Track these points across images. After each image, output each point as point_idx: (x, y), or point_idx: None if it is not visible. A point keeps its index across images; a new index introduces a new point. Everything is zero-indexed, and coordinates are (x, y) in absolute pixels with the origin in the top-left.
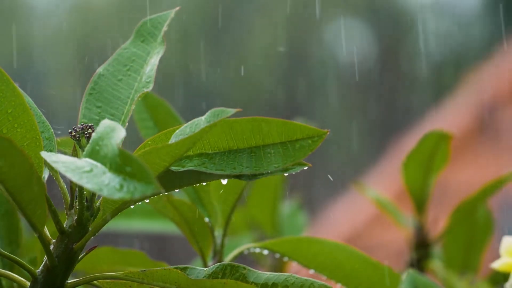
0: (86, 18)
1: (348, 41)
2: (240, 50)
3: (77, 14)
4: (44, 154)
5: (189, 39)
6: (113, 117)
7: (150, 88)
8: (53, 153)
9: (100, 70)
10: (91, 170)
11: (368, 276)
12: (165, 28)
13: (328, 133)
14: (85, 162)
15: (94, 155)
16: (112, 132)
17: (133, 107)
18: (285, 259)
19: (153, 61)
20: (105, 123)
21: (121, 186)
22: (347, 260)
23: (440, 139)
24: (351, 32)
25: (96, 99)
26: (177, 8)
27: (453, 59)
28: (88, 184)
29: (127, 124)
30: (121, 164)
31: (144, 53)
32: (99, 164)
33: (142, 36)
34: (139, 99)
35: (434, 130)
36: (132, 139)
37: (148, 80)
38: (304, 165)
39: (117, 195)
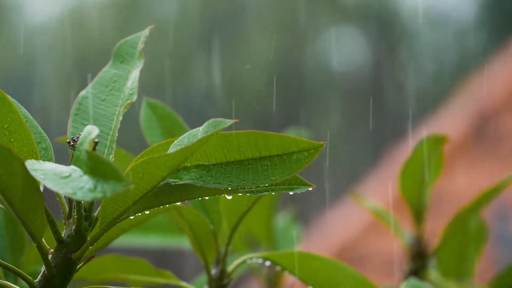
0: (80, 28)
1: (343, 50)
2: (234, 59)
3: (71, 24)
4: (28, 163)
5: (184, 48)
6: (101, 133)
7: (134, 99)
8: (38, 162)
9: (83, 93)
10: (69, 176)
11: None
12: (141, 45)
13: (324, 145)
14: (67, 168)
15: (75, 161)
16: (89, 135)
17: (120, 118)
18: (286, 272)
19: (134, 76)
20: (86, 128)
21: (95, 187)
22: (345, 280)
23: (434, 144)
24: (346, 41)
25: (82, 118)
26: (151, 26)
27: (448, 67)
28: (62, 189)
29: (116, 136)
30: (93, 165)
31: (125, 72)
32: (78, 169)
33: (120, 57)
34: (126, 110)
35: (427, 136)
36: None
37: (131, 92)
38: (309, 185)
39: (90, 196)
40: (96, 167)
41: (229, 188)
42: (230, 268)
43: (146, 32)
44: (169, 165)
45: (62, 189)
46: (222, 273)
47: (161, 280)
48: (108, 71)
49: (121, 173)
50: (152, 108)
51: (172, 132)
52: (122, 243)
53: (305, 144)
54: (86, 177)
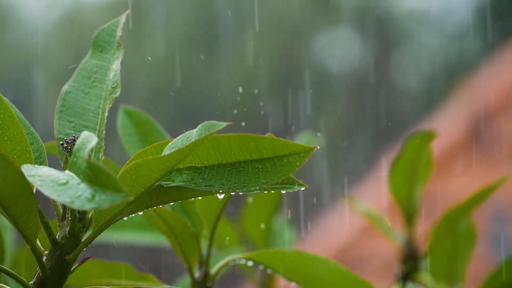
0: (75, 28)
1: (340, 52)
2: (231, 60)
3: (66, 23)
4: (24, 168)
5: (181, 49)
6: (87, 129)
7: (118, 93)
8: (34, 166)
9: (66, 87)
10: (66, 183)
11: None
12: (119, 33)
13: (316, 149)
14: (63, 174)
15: (71, 167)
16: (87, 143)
17: (106, 114)
18: (269, 271)
19: (115, 67)
20: (83, 134)
21: (93, 197)
22: (329, 275)
23: (422, 141)
24: (343, 43)
25: (68, 115)
26: (128, 11)
27: (445, 69)
28: (60, 197)
29: (104, 133)
30: (92, 175)
31: (105, 62)
32: (75, 176)
33: (99, 46)
34: (110, 105)
35: (415, 133)
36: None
37: (114, 86)
38: (301, 185)
39: (88, 206)
40: (95, 176)
41: (220, 191)
42: (213, 270)
43: (123, 18)
44: (162, 167)
45: (60, 197)
46: (206, 276)
47: (144, 284)
48: (88, 62)
49: (120, 184)
50: (129, 115)
51: (149, 137)
52: (118, 239)
53: (295, 147)
54: (83, 185)
